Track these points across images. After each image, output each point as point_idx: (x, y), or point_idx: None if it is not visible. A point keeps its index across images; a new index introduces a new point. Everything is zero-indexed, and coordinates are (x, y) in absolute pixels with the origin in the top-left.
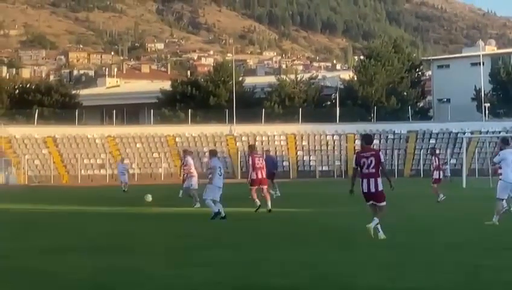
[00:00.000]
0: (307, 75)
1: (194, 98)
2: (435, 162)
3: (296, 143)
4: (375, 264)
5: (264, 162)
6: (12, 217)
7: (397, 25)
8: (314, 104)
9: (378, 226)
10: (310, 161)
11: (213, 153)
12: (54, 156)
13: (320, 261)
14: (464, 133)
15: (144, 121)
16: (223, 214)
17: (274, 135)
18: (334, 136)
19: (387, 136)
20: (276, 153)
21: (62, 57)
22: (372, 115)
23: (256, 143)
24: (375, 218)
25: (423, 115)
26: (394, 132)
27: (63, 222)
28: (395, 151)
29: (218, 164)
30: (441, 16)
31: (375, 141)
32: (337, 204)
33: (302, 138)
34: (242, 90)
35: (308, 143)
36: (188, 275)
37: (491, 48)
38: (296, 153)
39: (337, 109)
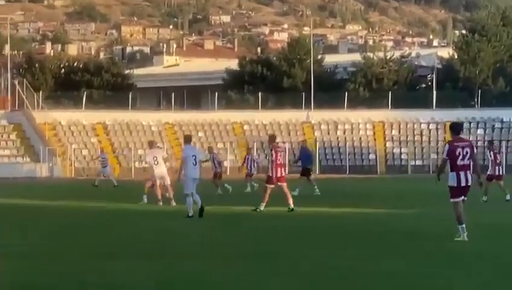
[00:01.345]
0: (397, 53)
1: (265, 80)
2: (491, 156)
3: (384, 132)
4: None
5: (282, 158)
6: (57, 215)
7: None
8: (406, 87)
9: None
10: (400, 153)
11: (187, 140)
12: (104, 146)
13: (409, 273)
14: None
15: (207, 105)
16: (199, 205)
17: (358, 123)
18: (430, 125)
19: (493, 125)
20: (360, 143)
21: (114, 31)
22: (476, 99)
23: (338, 132)
24: (463, 226)
25: None
26: (502, 119)
27: (114, 222)
28: (503, 143)
29: (191, 152)
30: None
31: (479, 131)
32: (431, 204)
33: (391, 126)
34: (321, 70)
35: (399, 133)
36: (261, 286)
37: None
38: (385, 145)
39: (434, 92)
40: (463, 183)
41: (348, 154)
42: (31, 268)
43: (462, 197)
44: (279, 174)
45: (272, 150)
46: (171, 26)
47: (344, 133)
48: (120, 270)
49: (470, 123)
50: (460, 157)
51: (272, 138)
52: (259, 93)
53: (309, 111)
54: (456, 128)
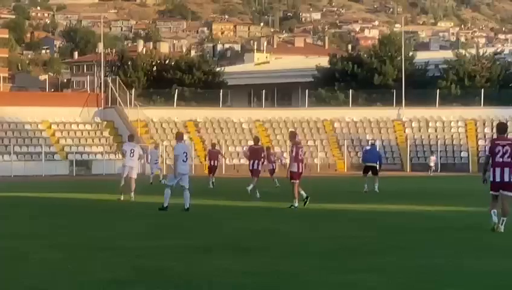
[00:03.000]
0: (490, 50)
1: (355, 77)
2: None
3: (476, 131)
4: None
5: (304, 154)
6: (148, 212)
7: None
8: (499, 85)
9: (504, 220)
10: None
11: (178, 137)
12: (196, 143)
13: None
14: None
15: (298, 103)
16: (186, 205)
17: (450, 121)
18: None
19: None
20: (452, 141)
21: (205, 29)
22: None
23: (429, 130)
24: (502, 218)
25: None
26: None
27: (202, 219)
28: None
29: (183, 149)
30: None
31: None
32: None
33: (484, 124)
34: (412, 67)
35: (492, 131)
36: (351, 282)
37: None
38: (477, 143)
39: None
40: (497, 179)
41: (440, 152)
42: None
43: (500, 190)
44: (301, 170)
45: (292, 146)
46: (261, 24)
47: (435, 131)
48: (218, 266)
49: None
50: (500, 154)
51: (293, 135)
52: (350, 91)
53: (400, 108)
54: (500, 128)
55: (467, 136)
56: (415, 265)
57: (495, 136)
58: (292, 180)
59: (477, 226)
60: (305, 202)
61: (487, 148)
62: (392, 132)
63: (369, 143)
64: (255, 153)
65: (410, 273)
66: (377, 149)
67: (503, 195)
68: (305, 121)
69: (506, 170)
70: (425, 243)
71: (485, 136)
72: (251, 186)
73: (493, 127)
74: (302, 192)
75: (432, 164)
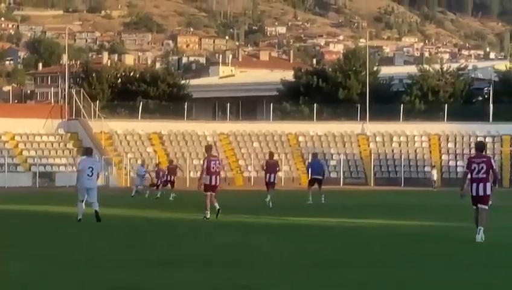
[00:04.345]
0: (454, 65)
1: (320, 91)
2: None
3: (440, 145)
4: None
5: (219, 167)
6: (114, 224)
7: None
8: (462, 100)
9: (480, 229)
10: (456, 166)
11: (87, 152)
12: (160, 155)
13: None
14: None
15: (262, 116)
16: (97, 210)
17: (414, 136)
18: (487, 138)
19: None
20: (416, 156)
21: (170, 41)
22: None
23: (393, 144)
24: (479, 227)
25: None
26: None
27: (169, 232)
28: None
29: (88, 164)
30: None
31: None
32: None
33: (447, 139)
34: (377, 82)
35: (455, 146)
36: None
37: None
38: (441, 158)
39: (491, 105)
40: (474, 193)
41: (403, 166)
42: (97, 277)
43: (478, 204)
44: (213, 182)
45: (204, 159)
46: (227, 37)
47: (399, 145)
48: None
49: None
50: (475, 171)
51: (209, 148)
52: (315, 105)
53: (364, 123)
54: (478, 146)
55: (430, 151)
56: (382, 279)
57: (461, 151)
58: (205, 193)
59: (446, 239)
60: (217, 215)
61: (465, 165)
62: (356, 146)
63: (312, 155)
64: (271, 166)
65: (377, 287)
66: (321, 161)
67: (480, 208)
68: (270, 135)
69: (481, 185)
70: (392, 256)
71: (448, 151)
72: (268, 197)
73: (456, 142)
74: (216, 204)
75: (435, 178)
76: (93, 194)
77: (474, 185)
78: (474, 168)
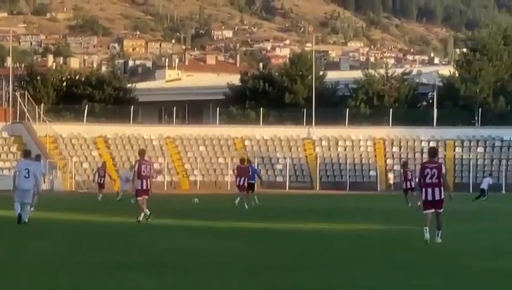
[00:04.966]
0: (399, 70)
1: (266, 95)
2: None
3: (385, 150)
4: None
5: (150, 171)
6: (57, 228)
7: (508, 13)
8: (407, 105)
9: (439, 232)
10: (400, 170)
11: (25, 154)
12: (105, 159)
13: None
14: None
15: (209, 120)
16: (24, 219)
17: (359, 140)
18: (431, 143)
19: (493, 144)
20: (361, 160)
21: (116, 45)
22: (476, 118)
23: (339, 148)
24: (438, 230)
25: None
26: (502, 138)
27: (115, 235)
28: (503, 162)
29: (24, 165)
30: None
31: (479, 149)
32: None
33: (392, 143)
34: (323, 86)
35: (400, 150)
36: None
37: None
38: (385, 162)
39: (435, 110)
40: (429, 198)
41: (349, 170)
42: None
43: (432, 209)
44: (145, 187)
45: (135, 163)
46: (173, 41)
47: (345, 149)
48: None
49: (470, 141)
50: (429, 176)
51: (142, 152)
52: (261, 109)
53: (310, 127)
54: (430, 152)
55: (375, 155)
56: (333, 284)
57: (405, 154)
58: (137, 197)
59: (397, 244)
60: (147, 219)
61: (418, 171)
62: (302, 150)
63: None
64: (242, 171)
65: None
66: (253, 165)
67: (436, 211)
68: (216, 139)
69: (436, 189)
70: (343, 262)
71: (393, 156)
72: (238, 199)
73: (401, 147)
74: (146, 210)
75: (391, 181)
76: (29, 195)
77: (429, 189)
78: (427, 173)
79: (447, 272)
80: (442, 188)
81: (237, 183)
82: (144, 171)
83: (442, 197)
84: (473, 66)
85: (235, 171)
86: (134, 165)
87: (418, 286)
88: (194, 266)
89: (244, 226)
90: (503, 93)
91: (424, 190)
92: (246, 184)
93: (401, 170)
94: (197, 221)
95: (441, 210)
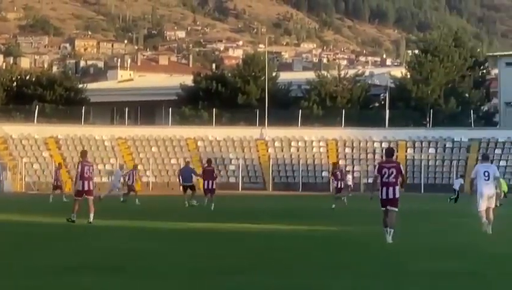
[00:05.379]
0: (351, 72)
1: (219, 96)
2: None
3: (337, 151)
4: None
5: (92, 173)
6: (2, 230)
7: (459, 15)
8: (359, 106)
9: (391, 231)
10: (353, 171)
11: None
12: (56, 160)
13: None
14: None
15: (161, 121)
16: None
17: (312, 141)
18: (383, 143)
19: (444, 145)
20: (314, 161)
21: (67, 45)
22: (428, 119)
23: (291, 149)
24: (389, 229)
25: (488, 120)
26: (453, 139)
27: (64, 237)
28: (454, 163)
29: None
30: (510, 6)
31: (430, 150)
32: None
33: (344, 144)
34: (276, 87)
35: (352, 151)
36: None
37: None
38: (338, 162)
39: (387, 111)
40: (384, 197)
41: (301, 171)
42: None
43: (387, 206)
44: (86, 188)
45: (79, 164)
46: (125, 41)
47: (297, 150)
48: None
49: (421, 142)
50: (386, 175)
51: (84, 153)
52: (214, 110)
53: (263, 128)
54: (387, 152)
55: (328, 156)
56: (280, 284)
57: (357, 155)
58: (75, 198)
59: (343, 244)
60: (71, 221)
61: (375, 170)
62: (255, 151)
63: (186, 162)
64: (208, 173)
65: None
66: (191, 167)
67: (390, 210)
68: (169, 140)
69: (391, 188)
70: (290, 262)
71: (345, 156)
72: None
73: (353, 148)
74: (74, 213)
75: (350, 183)
76: None
77: (384, 188)
78: (385, 172)
79: (385, 273)
80: (398, 188)
81: (204, 187)
82: (86, 173)
83: (397, 196)
84: (424, 67)
85: (201, 174)
86: (77, 166)
87: (347, 287)
88: (141, 268)
89: (193, 227)
90: (454, 95)
91: (380, 188)
92: (213, 187)
93: (332, 170)
94: (146, 222)
95: (395, 209)
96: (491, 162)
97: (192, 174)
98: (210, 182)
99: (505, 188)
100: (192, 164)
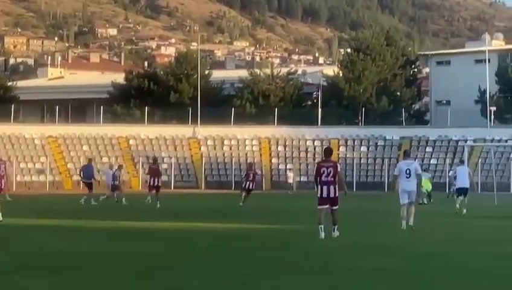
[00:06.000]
0: (284, 70)
1: (151, 94)
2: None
3: (270, 149)
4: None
5: (5, 171)
6: None
7: (390, 14)
8: (292, 104)
9: (335, 227)
10: (286, 170)
11: None
12: None
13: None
14: (466, 140)
15: (92, 119)
16: None
17: (245, 139)
18: (315, 142)
19: (376, 143)
20: (246, 159)
21: None
22: (360, 117)
23: (224, 148)
24: (322, 227)
25: (419, 118)
26: (385, 137)
27: (2, 237)
28: (386, 161)
29: None
30: (441, 5)
31: (362, 148)
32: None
33: (277, 142)
34: (208, 85)
35: (285, 149)
36: None
37: (499, 43)
38: (270, 161)
39: (319, 110)
40: (324, 195)
41: (234, 170)
42: None
43: (327, 205)
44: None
45: None
46: (56, 38)
47: (230, 149)
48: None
49: (353, 140)
50: (324, 175)
51: None
52: (146, 108)
53: (195, 126)
54: (326, 152)
55: (261, 154)
56: (220, 283)
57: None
58: None
59: (284, 244)
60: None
61: (315, 169)
62: (187, 150)
63: (88, 159)
64: (153, 171)
65: None
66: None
67: (332, 208)
68: (100, 138)
69: (331, 187)
70: (231, 262)
71: (278, 155)
72: (148, 198)
73: (286, 146)
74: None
75: (290, 181)
76: None
77: (325, 187)
78: (323, 171)
79: (323, 270)
80: (337, 186)
81: (149, 183)
82: (2, 171)
83: (337, 194)
84: (356, 66)
85: (147, 172)
86: None
87: (286, 284)
88: (77, 267)
89: (125, 226)
90: (386, 93)
91: (319, 187)
92: (159, 184)
93: (247, 170)
94: (78, 221)
95: (337, 207)
96: (414, 159)
97: (93, 173)
98: (155, 179)
99: (428, 186)
100: (94, 162)
